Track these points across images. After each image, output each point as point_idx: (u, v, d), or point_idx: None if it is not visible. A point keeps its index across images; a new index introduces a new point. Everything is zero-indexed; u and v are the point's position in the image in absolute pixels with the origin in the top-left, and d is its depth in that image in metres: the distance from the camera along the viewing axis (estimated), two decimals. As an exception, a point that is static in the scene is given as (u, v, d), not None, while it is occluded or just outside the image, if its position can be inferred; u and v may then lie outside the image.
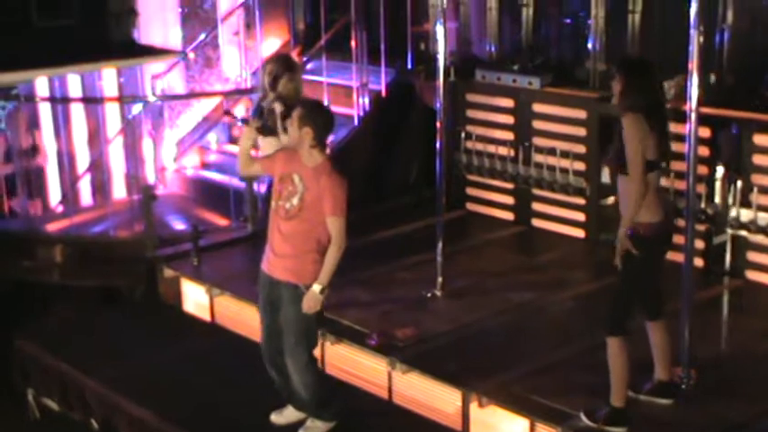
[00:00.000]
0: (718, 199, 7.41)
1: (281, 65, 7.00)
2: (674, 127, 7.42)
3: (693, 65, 5.78)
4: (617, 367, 5.59)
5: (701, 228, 7.43)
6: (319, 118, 5.69)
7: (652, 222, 5.51)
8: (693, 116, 5.82)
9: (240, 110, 9.82)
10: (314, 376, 5.89)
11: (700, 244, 7.39)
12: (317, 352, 6.62)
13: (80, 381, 6.97)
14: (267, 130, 6.10)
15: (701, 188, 7.26)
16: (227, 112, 6.95)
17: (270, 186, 6.80)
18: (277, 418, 6.13)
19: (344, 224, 5.66)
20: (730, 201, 7.38)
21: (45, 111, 9.77)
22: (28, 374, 7.43)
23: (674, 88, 7.75)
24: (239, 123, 6.12)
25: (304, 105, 5.78)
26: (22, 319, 8.05)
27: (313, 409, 5.99)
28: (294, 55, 10.61)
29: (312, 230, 5.66)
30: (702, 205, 7.36)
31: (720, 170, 7.36)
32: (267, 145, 6.55)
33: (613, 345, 5.58)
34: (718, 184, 7.38)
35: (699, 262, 7.33)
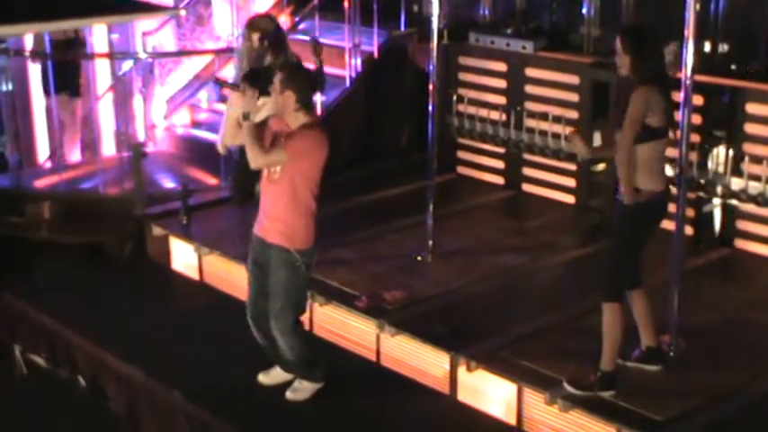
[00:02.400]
0: (710, 166, 7.41)
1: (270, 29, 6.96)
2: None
3: (689, 32, 5.75)
4: (612, 332, 5.61)
5: (691, 196, 7.43)
6: (301, 79, 5.68)
7: (654, 191, 5.52)
8: (688, 83, 5.80)
9: (230, 70, 9.75)
10: (299, 339, 5.91)
11: (690, 212, 7.41)
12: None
13: (67, 338, 6.97)
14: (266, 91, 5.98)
15: (693, 156, 7.25)
16: (218, 81, 6.82)
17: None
18: (264, 378, 6.15)
19: (277, 158, 5.60)
20: (721, 169, 7.38)
21: (35, 66, 9.68)
22: (15, 331, 7.42)
23: (669, 55, 7.71)
24: (233, 89, 5.98)
25: (285, 69, 5.78)
26: (10, 275, 8.02)
27: (300, 370, 6.02)
28: (286, 14, 10.55)
29: (298, 194, 5.67)
30: (694, 173, 7.36)
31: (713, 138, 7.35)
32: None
33: (610, 310, 5.60)
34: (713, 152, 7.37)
35: (689, 230, 7.35)
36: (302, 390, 6.03)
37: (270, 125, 5.78)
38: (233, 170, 7.75)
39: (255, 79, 6.40)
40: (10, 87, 9.27)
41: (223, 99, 10.11)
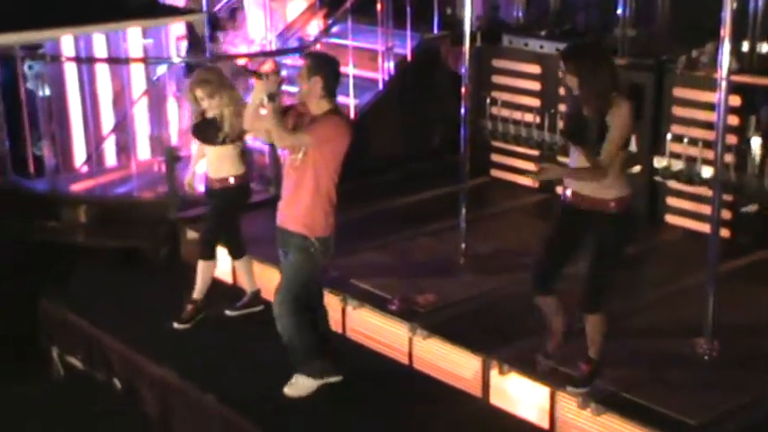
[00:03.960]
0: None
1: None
2: (705, 96, 7.41)
3: (726, 31, 5.69)
4: (602, 332, 5.59)
5: (728, 198, 7.36)
6: (328, 67, 5.75)
7: (623, 196, 5.40)
8: (724, 84, 5.74)
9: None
10: (296, 326, 5.89)
11: (726, 214, 7.34)
12: (337, 315, 6.68)
13: (103, 341, 7.02)
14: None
15: (729, 157, 7.17)
16: (248, 70, 6.82)
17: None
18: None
19: (301, 140, 5.68)
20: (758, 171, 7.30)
21: (71, 71, 9.77)
22: (52, 333, 7.49)
23: (704, 56, 7.65)
24: (255, 76, 6.05)
25: (312, 56, 5.89)
26: (47, 278, 8.10)
27: (294, 358, 6.00)
28: (319, 17, 10.57)
29: (319, 180, 5.73)
30: (731, 175, 7.28)
31: (756, 141, 7.24)
32: None
33: (596, 319, 5.54)
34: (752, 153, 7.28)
35: (725, 233, 7.27)
36: (298, 385, 6.02)
37: (291, 112, 5.84)
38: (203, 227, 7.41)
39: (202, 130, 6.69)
40: (47, 92, 9.36)
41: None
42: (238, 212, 7.15)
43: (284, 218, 5.91)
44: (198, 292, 7.05)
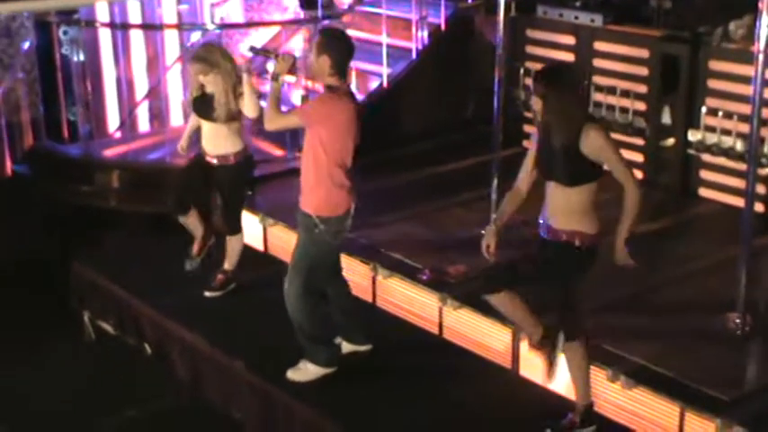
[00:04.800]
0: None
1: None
2: (741, 69, 7.32)
3: (764, 4, 5.61)
4: (584, 366, 5.37)
5: (762, 172, 7.30)
6: (339, 45, 5.62)
7: (592, 234, 5.16)
8: (761, 57, 5.66)
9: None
10: (303, 311, 5.82)
11: (761, 188, 7.27)
12: (367, 284, 6.68)
13: (134, 306, 7.08)
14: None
15: (765, 131, 7.09)
16: (253, 49, 6.60)
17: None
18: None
19: (287, 121, 5.74)
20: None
21: (105, 37, 9.80)
22: (84, 298, 7.55)
23: (741, 29, 7.56)
24: (265, 55, 6.02)
25: (324, 33, 5.75)
26: (79, 243, 8.16)
27: (302, 343, 5.95)
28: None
29: (320, 161, 5.63)
30: (766, 149, 7.21)
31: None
32: None
33: (578, 346, 5.33)
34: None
35: (759, 207, 7.20)
36: (304, 371, 5.95)
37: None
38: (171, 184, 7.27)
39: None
40: (82, 58, 9.40)
41: (290, 71, 10.14)
42: (239, 189, 7.05)
43: (300, 198, 5.86)
44: (228, 262, 7.06)
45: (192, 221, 7.00)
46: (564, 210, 5.14)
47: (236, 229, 7.03)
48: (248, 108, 6.47)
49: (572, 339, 5.32)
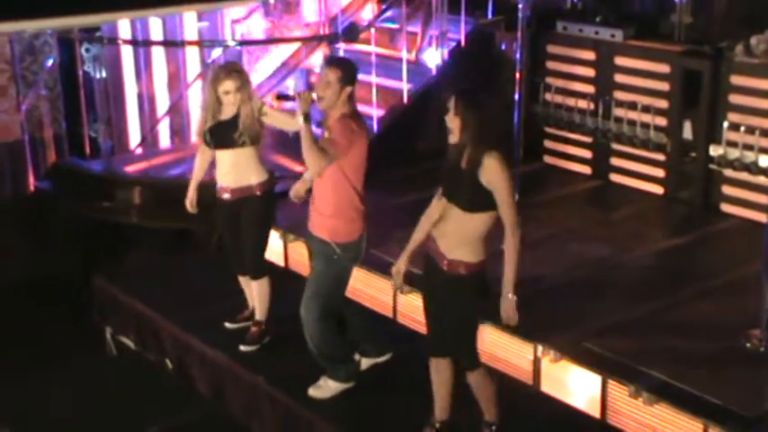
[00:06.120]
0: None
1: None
2: (763, 83, 7.30)
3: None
4: (489, 388, 5.40)
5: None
6: (355, 74, 5.60)
7: (475, 262, 5.13)
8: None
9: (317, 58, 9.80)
10: (323, 333, 5.81)
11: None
12: (388, 299, 6.67)
13: (155, 321, 7.10)
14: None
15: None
16: (279, 96, 5.97)
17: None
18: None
19: (331, 158, 5.47)
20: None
21: (126, 54, 9.86)
22: (106, 313, 7.59)
23: (763, 43, 7.54)
24: (289, 100, 5.73)
25: (340, 65, 5.66)
26: (101, 259, 8.20)
27: (323, 362, 5.96)
28: (374, 2, 10.55)
29: (340, 187, 5.60)
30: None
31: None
32: None
33: (478, 375, 5.35)
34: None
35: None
36: (325, 388, 5.97)
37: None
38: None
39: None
40: (104, 74, 9.47)
41: (311, 87, 10.18)
42: (266, 225, 6.57)
43: (312, 223, 5.81)
44: (259, 312, 6.58)
45: (265, 288, 6.52)
46: (454, 233, 5.10)
47: (262, 271, 6.52)
48: (283, 123, 6.22)
49: (472, 369, 5.32)
